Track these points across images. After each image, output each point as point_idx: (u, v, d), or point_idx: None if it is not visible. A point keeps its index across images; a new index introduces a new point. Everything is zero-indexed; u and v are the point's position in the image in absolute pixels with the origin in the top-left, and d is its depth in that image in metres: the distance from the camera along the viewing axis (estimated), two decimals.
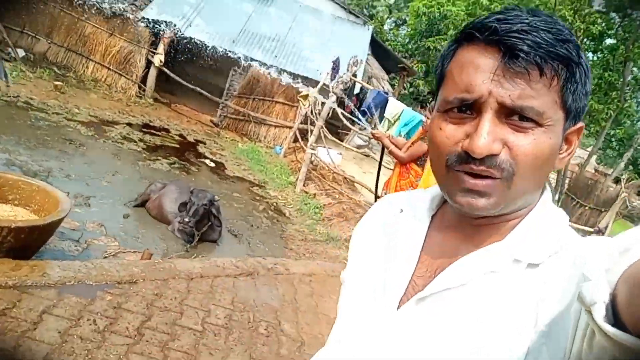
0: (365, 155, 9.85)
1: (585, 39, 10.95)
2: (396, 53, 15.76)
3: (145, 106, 10.03)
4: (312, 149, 8.05)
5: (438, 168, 0.70)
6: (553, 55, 0.61)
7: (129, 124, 8.27)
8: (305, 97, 9.80)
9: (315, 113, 8.70)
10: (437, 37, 15.24)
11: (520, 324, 0.62)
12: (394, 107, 7.76)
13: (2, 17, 8.93)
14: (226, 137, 10.16)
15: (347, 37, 12.24)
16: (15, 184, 3.29)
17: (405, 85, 16.56)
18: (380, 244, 0.81)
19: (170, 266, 3.42)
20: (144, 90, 10.36)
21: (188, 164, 7.34)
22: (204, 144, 8.96)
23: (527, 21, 0.61)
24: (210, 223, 4.61)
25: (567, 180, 13.04)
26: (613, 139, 17.59)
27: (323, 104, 8.32)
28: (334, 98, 7.97)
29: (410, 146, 4.39)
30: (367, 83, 11.12)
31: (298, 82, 10.18)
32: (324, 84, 9.11)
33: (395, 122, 7.32)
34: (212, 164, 7.84)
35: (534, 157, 0.63)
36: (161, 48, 10.13)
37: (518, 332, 0.61)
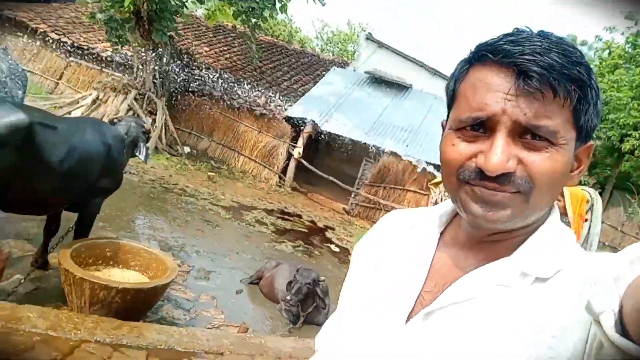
0: None
1: None
2: None
3: (284, 194, 10.80)
4: None
5: (449, 182, 0.70)
6: (566, 77, 0.61)
7: (265, 210, 8.91)
8: (437, 184, 9.54)
9: (444, 199, 8.36)
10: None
11: (528, 338, 0.61)
12: None
13: (175, 120, 10.79)
14: (356, 225, 10.24)
15: None
16: (138, 252, 3.70)
17: None
18: (387, 258, 0.81)
19: (260, 342, 3.38)
20: (284, 180, 11.24)
21: (312, 247, 7.51)
22: (333, 230, 9.14)
23: (538, 43, 0.62)
24: (315, 304, 4.52)
25: None
26: None
27: None
28: None
29: None
30: None
31: (430, 170, 10.02)
32: None
33: None
34: (337, 249, 7.88)
35: (549, 174, 0.63)
36: (300, 142, 11.05)
37: (525, 346, 0.60)
